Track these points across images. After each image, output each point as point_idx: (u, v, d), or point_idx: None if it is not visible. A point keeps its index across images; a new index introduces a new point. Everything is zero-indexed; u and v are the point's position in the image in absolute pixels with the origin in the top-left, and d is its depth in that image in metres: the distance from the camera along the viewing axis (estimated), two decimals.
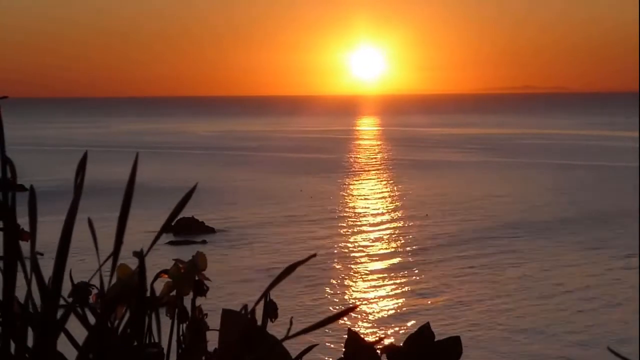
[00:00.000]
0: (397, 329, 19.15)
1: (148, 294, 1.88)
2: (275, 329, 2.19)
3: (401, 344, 2.69)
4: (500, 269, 24.64)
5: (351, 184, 46.60)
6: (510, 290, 22.37)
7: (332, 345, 15.54)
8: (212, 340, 2.19)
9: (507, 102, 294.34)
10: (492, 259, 25.97)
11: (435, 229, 31.02)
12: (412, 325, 18.83)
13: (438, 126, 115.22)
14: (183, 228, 29.05)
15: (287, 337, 1.89)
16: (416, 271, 24.54)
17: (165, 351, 1.97)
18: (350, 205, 38.21)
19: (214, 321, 2.19)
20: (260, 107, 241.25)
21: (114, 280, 1.80)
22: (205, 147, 76.31)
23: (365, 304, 21.12)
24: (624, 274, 23.94)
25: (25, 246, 1.77)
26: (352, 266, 25.32)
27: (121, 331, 1.78)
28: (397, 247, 28.25)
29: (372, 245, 28.54)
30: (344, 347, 2.64)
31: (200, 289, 2.12)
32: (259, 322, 2.12)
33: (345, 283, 23.35)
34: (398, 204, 38.37)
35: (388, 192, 43.13)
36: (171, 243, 27.81)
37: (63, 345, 1.79)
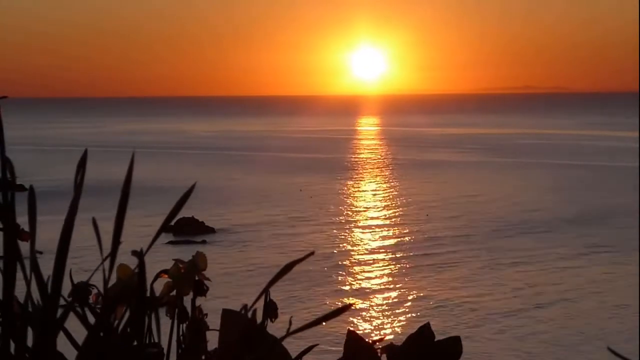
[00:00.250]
0: (397, 328, 19.15)
1: (148, 294, 1.87)
2: (275, 328, 2.19)
3: (401, 344, 2.68)
4: (500, 269, 24.63)
5: (351, 184, 46.59)
6: (510, 289, 22.37)
7: (331, 346, 15.53)
8: (212, 340, 2.19)
9: (508, 102, 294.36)
10: (493, 258, 25.95)
11: (436, 229, 31.01)
12: (412, 325, 18.84)
13: (439, 126, 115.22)
14: (183, 228, 29.05)
15: (286, 336, 1.88)
16: (416, 271, 24.53)
17: (165, 351, 1.97)
18: (351, 205, 38.21)
19: (214, 321, 2.19)
20: (260, 107, 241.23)
21: (111, 280, 1.80)
22: (205, 147, 76.31)
23: (365, 303, 21.11)
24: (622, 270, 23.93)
25: (24, 246, 1.77)
26: (352, 266, 25.31)
27: (121, 331, 1.78)
28: (398, 247, 28.24)
29: (372, 245, 28.54)
30: (344, 347, 2.63)
31: (200, 289, 2.12)
32: (259, 321, 2.12)
33: (345, 283, 23.34)
34: (398, 204, 38.37)
35: (388, 192, 43.13)
36: (171, 243, 27.81)
37: (63, 345, 1.78)
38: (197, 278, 2.12)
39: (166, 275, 2.11)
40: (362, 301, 21.38)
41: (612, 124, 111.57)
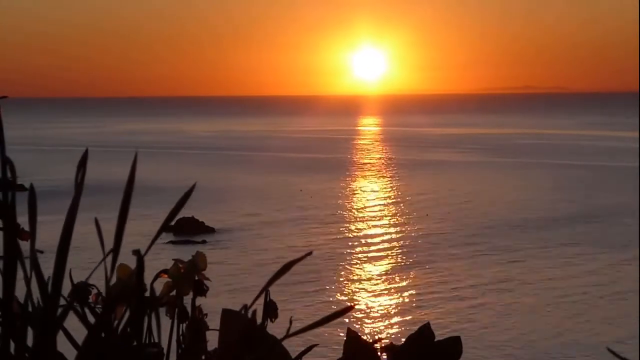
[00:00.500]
0: (396, 328, 19.15)
1: (148, 293, 1.87)
2: (275, 329, 2.19)
3: (401, 344, 2.68)
4: (501, 269, 24.64)
5: (352, 184, 46.60)
6: (511, 288, 22.37)
7: (331, 346, 15.54)
8: (212, 340, 2.19)
9: (508, 102, 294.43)
10: (493, 259, 25.97)
11: (436, 229, 31.02)
12: (411, 325, 18.84)
13: (439, 126, 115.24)
14: (183, 228, 29.06)
15: (286, 336, 1.89)
16: (416, 271, 24.54)
17: (165, 351, 1.97)
18: (351, 204, 38.22)
19: (214, 321, 2.19)
20: (260, 107, 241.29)
21: (112, 280, 1.80)
22: (205, 147, 76.31)
23: (365, 303, 21.12)
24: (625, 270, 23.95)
25: (25, 245, 1.77)
26: (353, 266, 25.32)
27: (121, 331, 1.78)
28: (398, 246, 28.25)
29: (373, 245, 28.55)
30: (343, 347, 2.63)
31: (200, 289, 2.12)
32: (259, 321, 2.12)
33: (345, 282, 23.35)
34: (398, 203, 38.37)
35: (389, 191, 43.14)
36: (171, 243, 27.83)
37: (63, 345, 1.79)
38: (197, 278, 2.12)
39: (166, 275, 2.11)
40: (362, 301, 21.38)
41: (612, 124, 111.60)
